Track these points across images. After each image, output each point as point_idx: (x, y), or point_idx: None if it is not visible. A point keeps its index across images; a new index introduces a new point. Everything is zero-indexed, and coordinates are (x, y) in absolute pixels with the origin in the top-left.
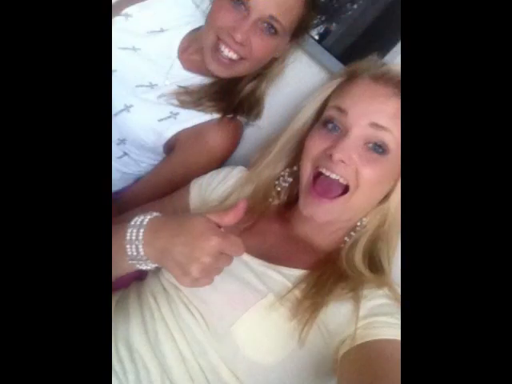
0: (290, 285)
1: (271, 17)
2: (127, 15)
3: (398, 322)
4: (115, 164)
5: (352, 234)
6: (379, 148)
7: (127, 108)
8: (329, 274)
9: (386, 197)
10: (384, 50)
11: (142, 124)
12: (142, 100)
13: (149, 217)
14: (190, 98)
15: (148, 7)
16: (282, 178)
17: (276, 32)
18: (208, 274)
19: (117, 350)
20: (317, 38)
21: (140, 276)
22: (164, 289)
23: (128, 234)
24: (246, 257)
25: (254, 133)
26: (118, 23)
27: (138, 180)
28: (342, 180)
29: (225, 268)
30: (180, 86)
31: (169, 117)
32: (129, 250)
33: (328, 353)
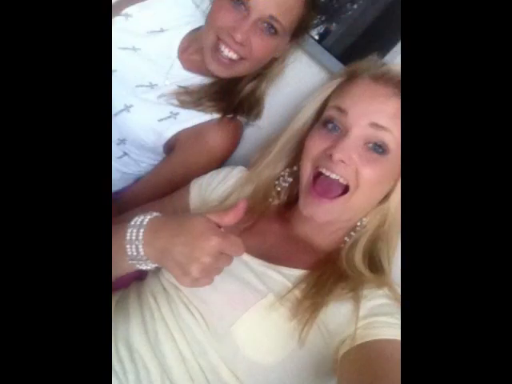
0: (290, 285)
1: (271, 17)
2: (127, 15)
3: (398, 321)
4: (115, 164)
5: (352, 233)
6: (379, 148)
7: (127, 108)
8: (329, 274)
9: (386, 197)
10: (384, 50)
11: (142, 124)
12: (141, 100)
13: (149, 217)
14: (190, 98)
15: (148, 7)
16: (282, 178)
17: (276, 32)
18: (208, 274)
19: (117, 350)
20: (317, 37)
21: (140, 276)
22: (164, 289)
23: (128, 234)
24: (246, 257)
25: (254, 133)
26: (117, 23)
27: (138, 180)
28: (342, 180)
29: (225, 268)
30: (180, 86)
31: (169, 117)
32: (129, 249)
33: (328, 353)
